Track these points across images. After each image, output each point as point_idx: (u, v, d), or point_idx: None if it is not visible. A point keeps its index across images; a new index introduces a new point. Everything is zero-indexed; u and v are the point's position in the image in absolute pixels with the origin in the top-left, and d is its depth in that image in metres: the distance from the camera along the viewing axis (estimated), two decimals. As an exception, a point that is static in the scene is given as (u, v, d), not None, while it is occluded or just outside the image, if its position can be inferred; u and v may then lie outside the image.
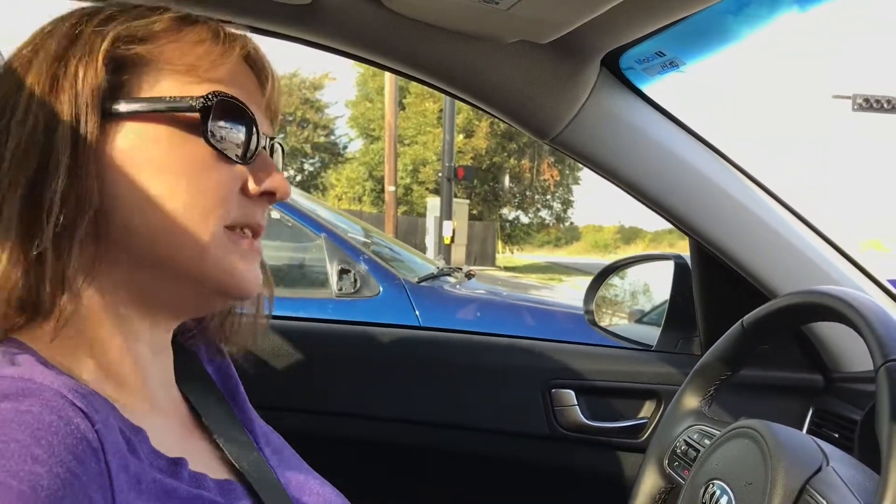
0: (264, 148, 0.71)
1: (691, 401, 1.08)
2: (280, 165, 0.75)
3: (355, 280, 3.60)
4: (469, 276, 4.39)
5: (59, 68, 0.63)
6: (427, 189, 25.80)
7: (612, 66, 1.18)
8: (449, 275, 4.18)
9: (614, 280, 1.79)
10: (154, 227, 0.64)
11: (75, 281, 0.61)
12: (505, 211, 30.49)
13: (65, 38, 0.64)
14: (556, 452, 1.47)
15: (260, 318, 0.82)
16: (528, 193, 30.34)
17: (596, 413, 1.47)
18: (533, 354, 1.49)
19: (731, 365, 1.04)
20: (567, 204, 32.35)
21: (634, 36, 1.04)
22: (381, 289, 3.59)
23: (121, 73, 0.64)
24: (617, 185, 1.26)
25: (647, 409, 1.46)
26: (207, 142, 0.65)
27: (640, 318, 1.89)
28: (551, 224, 33.23)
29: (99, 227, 0.63)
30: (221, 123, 0.66)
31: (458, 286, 4.05)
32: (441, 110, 20.91)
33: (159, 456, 0.62)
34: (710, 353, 1.06)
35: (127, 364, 0.66)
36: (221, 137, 0.66)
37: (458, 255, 16.41)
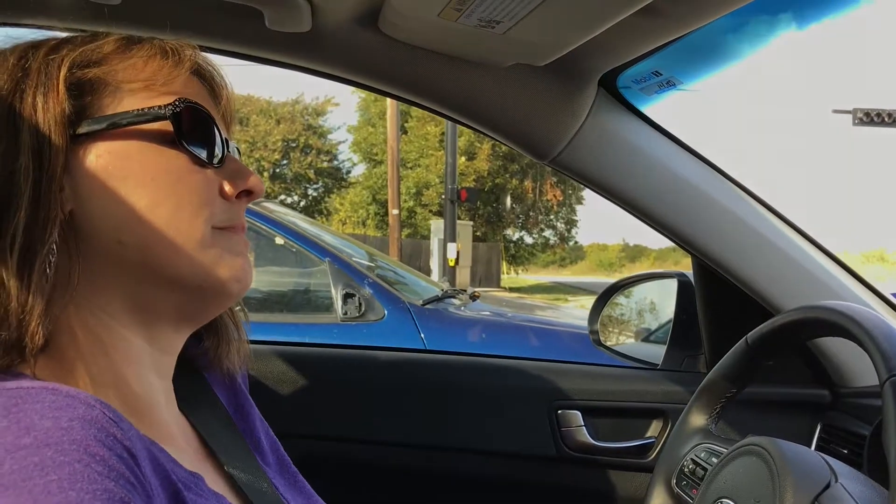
0: (228, 151, 0.72)
1: (698, 419, 1.07)
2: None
3: (360, 304, 3.61)
4: (474, 297, 4.39)
5: (14, 101, 0.63)
6: (430, 212, 25.82)
7: (610, 87, 1.19)
8: (453, 297, 4.18)
9: (620, 299, 1.78)
10: (145, 240, 0.64)
11: (58, 308, 0.61)
12: (509, 232, 30.47)
13: (14, 73, 0.64)
14: (563, 474, 1.46)
15: (244, 341, 0.83)
16: (531, 214, 30.33)
17: (603, 433, 1.46)
18: (538, 376, 1.49)
19: (737, 382, 1.04)
20: (571, 223, 32.32)
21: (630, 56, 1.05)
22: (385, 312, 3.59)
23: (82, 97, 0.65)
24: (618, 205, 1.26)
25: (654, 428, 1.45)
26: (183, 147, 0.66)
27: (647, 336, 1.88)
28: (555, 244, 33.17)
29: (89, 250, 0.63)
30: (191, 129, 0.67)
31: (462, 308, 4.05)
32: (443, 133, 20.99)
33: (178, 465, 0.62)
34: (715, 371, 1.06)
35: (133, 391, 0.65)
36: (193, 143, 0.67)
37: (463, 276, 16.40)
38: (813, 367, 1.35)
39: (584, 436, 1.44)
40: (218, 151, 0.69)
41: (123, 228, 0.64)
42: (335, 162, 30.87)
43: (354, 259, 3.95)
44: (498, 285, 24.37)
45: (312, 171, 29.41)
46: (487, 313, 4.22)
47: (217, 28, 1.07)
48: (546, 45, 0.98)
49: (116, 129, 0.64)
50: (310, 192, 30.76)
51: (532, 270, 35.05)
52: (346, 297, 3.61)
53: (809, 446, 1.31)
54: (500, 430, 1.46)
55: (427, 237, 21.68)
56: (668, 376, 1.49)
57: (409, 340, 3.50)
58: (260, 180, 0.73)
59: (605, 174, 1.22)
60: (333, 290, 3.64)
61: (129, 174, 0.64)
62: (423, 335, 3.53)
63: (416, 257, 21.03)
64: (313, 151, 29.27)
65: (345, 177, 31.10)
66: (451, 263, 14.83)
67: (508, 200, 25.56)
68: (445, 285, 5.17)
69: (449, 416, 1.48)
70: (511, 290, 22.86)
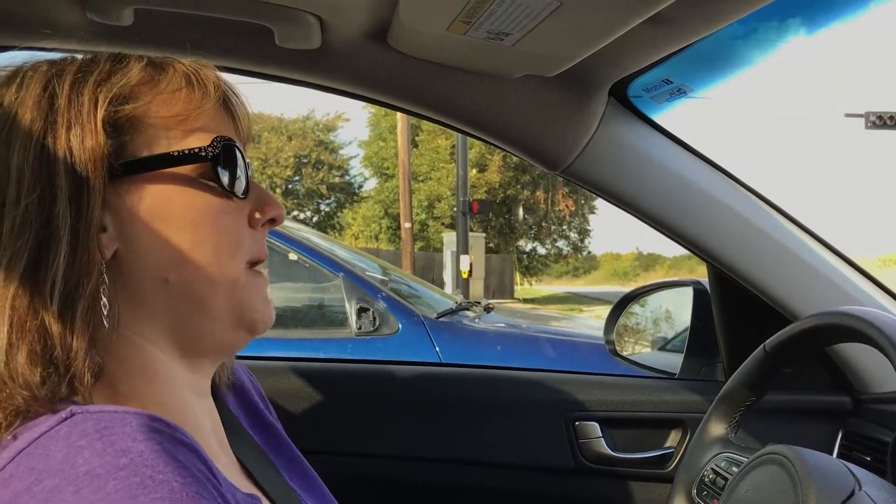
0: (250, 176, 0.73)
1: (717, 428, 1.07)
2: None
3: (374, 318, 3.60)
4: (488, 309, 4.38)
5: (47, 142, 0.61)
6: (443, 224, 25.80)
7: (621, 96, 1.18)
8: (467, 309, 4.17)
9: (635, 308, 1.77)
10: (189, 278, 0.66)
11: (102, 346, 0.61)
12: (521, 243, 30.38)
13: (41, 107, 0.63)
14: (582, 486, 1.45)
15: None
16: (543, 224, 30.23)
17: (621, 444, 1.45)
18: (554, 387, 1.48)
19: (756, 390, 1.03)
20: (584, 233, 32.18)
21: (640, 65, 1.05)
22: (400, 326, 3.58)
23: (119, 136, 0.64)
24: (631, 214, 1.25)
25: (673, 438, 1.44)
26: (222, 187, 0.67)
27: (664, 345, 1.87)
28: (569, 254, 33.05)
29: (134, 287, 0.65)
30: (226, 167, 0.68)
31: (476, 320, 4.04)
32: (453, 146, 21.00)
33: (236, 488, 0.64)
34: (734, 379, 1.05)
35: (181, 415, 0.67)
36: (227, 179, 0.68)
37: (477, 288, 16.38)
38: (833, 374, 1.33)
39: (603, 447, 1.43)
40: (245, 182, 0.70)
41: (169, 268, 0.65)
42: (347, 177, 30.93)
43: (368, 273, 3.94)
44: (512, 296, 24.30)
45: (324, 186, 29.48)
46: (502, 325, 4.21)
47: (227, 46, 1.08)
48: (555, 56, 0.98)
49: (159, 170, 0.65)
50: (322, 207, 30.83)
51: (546, 281, 34.91)
52: (361, 311, 3.60)
53: (831, 454, 1.30)
54: (516, 442, 1.45)
55: (440, 250, 21.67)
56: (686, 385, 1.48)
57: (424, 354, 3.49)
58: (282, 209, 0.74)
59: (617, 183, 1.22)
60: (347, 305, 3.63)
61: (171, 215, 0.65)
62: (437, 348, 3.52)
63: (429, 270, 21.02)
64: (325, 167, 29.35)
65: (356, 191, 31.15)
66: (465, 276, 14.82)
67: (521, 211, 25.45)
68: (459, 298, 5.16)
69: (464, 429, 1.47)
70: (525, 301, 22.79)
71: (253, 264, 0.71)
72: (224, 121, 0.71)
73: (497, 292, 23.14)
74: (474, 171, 24.57)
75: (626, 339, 1.81)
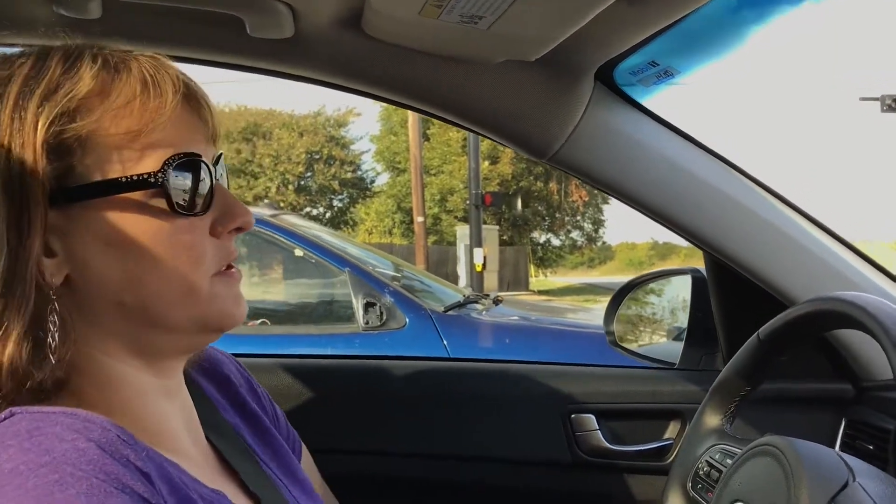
0: (216, 179, 0.69)
1: (712, 419, 1.05)
2: (226, 181, 0.73)
3: (381, 313, 3.60)
4: (497, 302, 4.37)
5: None
6: (456, 217, 25.81)
7: (607, 80, 1.16)
8: (476, 302, 4.16)
9: (651, 298, 1.75)
10: (145, 298, 0.64)
11: (51, 366, 0.61)
12: (535, 234, 30.33)
13: None
14: (579, 480, 1.43)
15: None
16: (557, 216, 30.15)
17: (619, 437, 1.42)
18: (550, 380, 1.45)
19: (751, 379, 1.01)
20: (598, 223, 32.08)
21: (623, 48, 1.02)
22: (407, 320, 3.58)
23: (66, 159, 0.61)
24: (622, 201, 1.23)
25: (672, 429, 1.41)
26: (174, 210, 0.64)
27: (679, 334, 1.84)
28: (583, 245, 32.98)
29: (90, 308, 0.64)
30: (180, 183, 0.65)
31: (484, 313, 4.03)
32: (465, 139, 20.97)
33: (200, 484, 0.63)
34: (728, 369, 1.03)
35: (150, 419, 0.67)
36: (183, 197, 0.65)
37: (491, 281, 16.38)
38: (834, 361, 1.30)
39: (600, 440, 1.41)
40: (208, 193, 0.67)
41: (123, 290, 0.64)
42: (359, 172, 30.91)
43: (374, 268, 3.94)
44: (527, 288, 24.28)
45: (336, 182, 29.47)
46: (512, 318, 4.20)
47: (199, 38, 1.06)
48: (533, 39, 0.96)
49: (107, 196, 0.62)
50: (335, 203, 30.85)
51: (561, 272, 34.81)
52: (367, 306, 3.61)
53: (833, 443, 1.27)
54: (512, 437, 1.43)
55: (453, 243, 21.66)
56: (685, 375, 1.45)
57: (432, 348, 3.48)
58: (250, 215, 0.71)
59: (606, 169, 1.19)
60: (354, 300, 3.64)
61: (123, 239, 0.63)
62: (445, 342, 3.51)
63: (443, 264, 21.03)
64: (337, 162, 29.33)
65: (369, 186, 31.15)
66: (479, 268, 14.82)
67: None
68: (468, 291, 5.15)
69: (459, 424, 1.46)
70: (540, 292, 22.78)
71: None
72: (185, 123, 0.68)
73: (512, 284, 23.11)
74: (486, 163, 24.53)
75: (641, 329, 1.78)
